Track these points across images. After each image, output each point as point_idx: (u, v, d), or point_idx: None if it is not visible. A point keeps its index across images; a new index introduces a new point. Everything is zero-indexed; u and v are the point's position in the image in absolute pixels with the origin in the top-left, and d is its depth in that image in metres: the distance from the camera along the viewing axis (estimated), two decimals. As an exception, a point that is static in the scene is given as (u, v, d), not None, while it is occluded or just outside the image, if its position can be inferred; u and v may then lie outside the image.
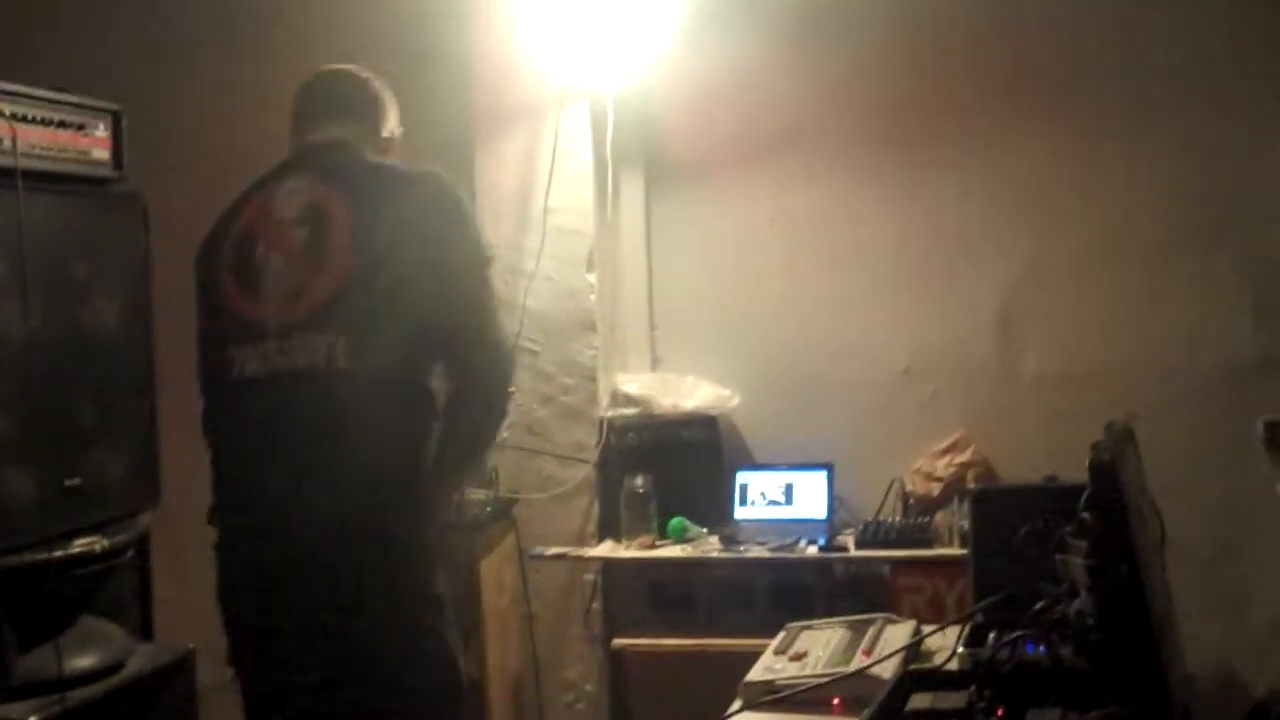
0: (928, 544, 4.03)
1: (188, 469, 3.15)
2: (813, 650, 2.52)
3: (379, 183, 2.75)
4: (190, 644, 3.44)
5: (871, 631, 2.58)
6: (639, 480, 4.18)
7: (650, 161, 4.61)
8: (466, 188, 4.39)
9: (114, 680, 3.23)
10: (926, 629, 2.60)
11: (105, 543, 3.25)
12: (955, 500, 4.19)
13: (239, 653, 2.86)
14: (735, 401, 4.44)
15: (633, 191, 4.59)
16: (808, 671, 2.37)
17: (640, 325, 4.62)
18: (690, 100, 4.53)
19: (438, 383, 2.73)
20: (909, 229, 4.47)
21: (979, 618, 2.34)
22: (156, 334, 3.59)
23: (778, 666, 2.46)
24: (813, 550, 4.07)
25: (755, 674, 2.42)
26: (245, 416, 2.77)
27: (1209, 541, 4.20)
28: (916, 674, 2.10)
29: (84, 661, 3.19)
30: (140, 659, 3.37)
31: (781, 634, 2.70)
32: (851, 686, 2.28)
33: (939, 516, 4.14)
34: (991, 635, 2.30)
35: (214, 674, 3.11)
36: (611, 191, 4.49)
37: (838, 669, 2.36)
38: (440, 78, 4.44)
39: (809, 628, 2.71)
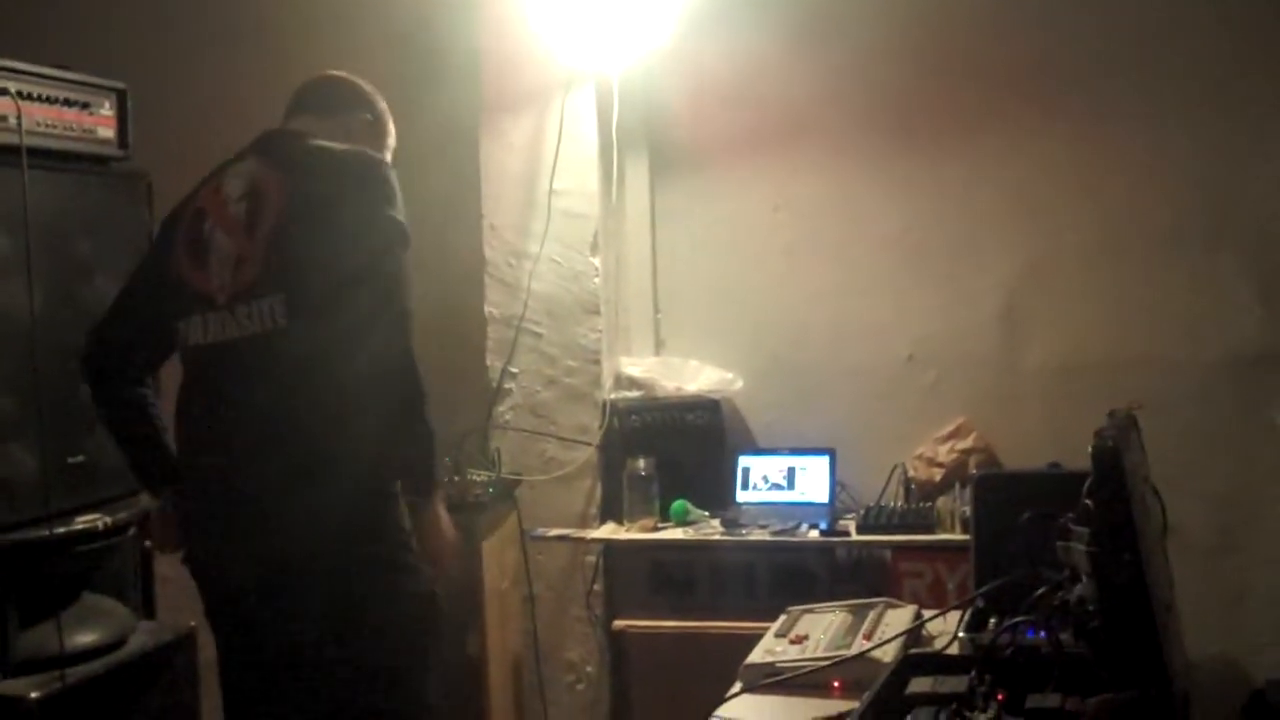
0: (929, 529, 4.02)
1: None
2: (813, 633, 2.53)
3: (311, 161, 2.89)
4: (192, 621, 3.46)
5: (872, 616, 2.59)
6: (641, 463, 4.18)
7: (655, 146, 4.60)
8: (472, 171, 4.44)
9: (115, 657, 3.25)
10: (927, 614, 2.61)
11: (107, 520, 3.26)
12: (957, 486, 4.20)
13: (213, 610, 2.96)
14: (739, 385, 4.44)
15: (638, 175, 4.58)
16: (808, 655, 2.38)
17: (644, 308, 4.62)
18: (696, 85, 4.52)
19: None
20: (914, 219, 4.47)
21: (979, 603, 2.35)
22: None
23: (778, 649, 2.47)
24: (815, 534, 4.07)
25: (756, 656, 2.43)
26: (198, 381, 2.90)
27: (1211, 531, 4.21)
28: (917, 658, 2.10)
29: (85, 638, 3.21)
30: (142, 636, 3.39)
31: (782, 617, 2.71)
32: (851, 670, 2.28)
33: (941, 502, 4.14)
34: (992, 620, 2.31)
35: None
36: (617, 175, 4.48)
37: (838, 652, 2.36)
38: (448, 63, 4.44)
39: (810, 611, 2.72)
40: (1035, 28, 4.32)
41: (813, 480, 4.32)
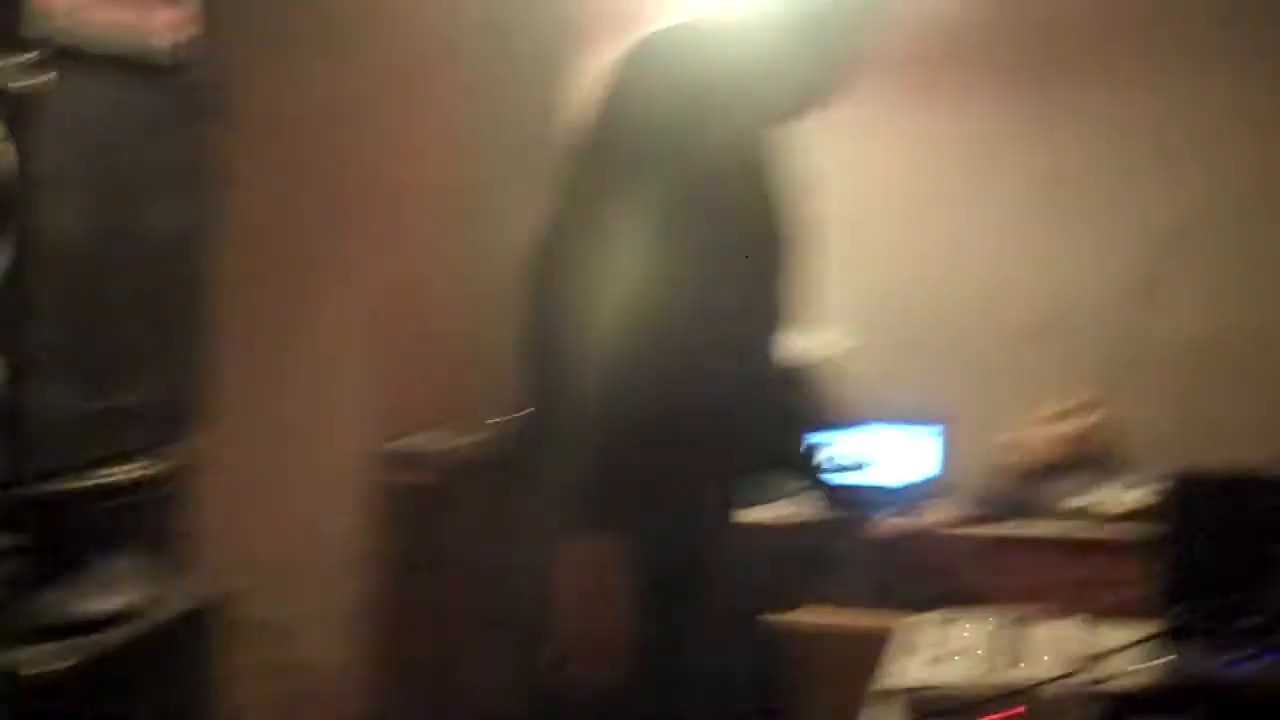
0: (1048, 516, 3.65)
1: (245, 390, 2.82)
2: (963, 649, 2.13)
3: None
4: (229, 585, 3.14)
5: (1024, 628, 2.18)
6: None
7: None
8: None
9: (134, 627, 2.90)
10: (1104, 628, 2.20)
11: (146, 471, 2.91)
12: (1081, 469, 3.82)
13: None
14: (847, 348, 4.05)
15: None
16: (975, 678, 1.98)
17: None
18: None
19: None
20: (1047, 170, 4.06)
21: (1177, 619, 1.96)
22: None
23: (927, 671, 2.06)
24: (931, 518, 3.69)
25: (907, 679, 2.03)
26: None
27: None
28: (1127, 698, 1.70)
29: (105, 604, 2.85)
30: (169, 601, 3.05)
31: (912, 625, 2.31)
32: (1024, 699, 1.89)
33: (1067, 488, 3.76)
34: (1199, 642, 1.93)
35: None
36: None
37: (1010, 675, 1.97)
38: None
39: (946, 619, 2.33)
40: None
41: (919, 455, 3.95)
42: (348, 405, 3.98)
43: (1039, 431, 3.97)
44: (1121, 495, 3.70)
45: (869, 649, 2.21)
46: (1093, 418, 3.96)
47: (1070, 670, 1.92)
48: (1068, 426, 3.97)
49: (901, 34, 4.06)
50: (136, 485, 2.84)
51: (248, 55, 3.22)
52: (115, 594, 2.79)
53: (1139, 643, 2.06)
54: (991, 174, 4.07)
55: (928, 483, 3.88)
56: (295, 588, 3.70)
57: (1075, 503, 3.67)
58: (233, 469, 3.43)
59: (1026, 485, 3.89)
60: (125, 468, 2.83)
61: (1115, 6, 3.94)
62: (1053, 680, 1.89)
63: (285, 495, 3.78)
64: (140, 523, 2.97)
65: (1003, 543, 3.65)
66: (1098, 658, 1.99)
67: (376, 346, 4.01)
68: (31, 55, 2.53)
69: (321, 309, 4.01)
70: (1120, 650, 2.02)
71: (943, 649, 2.14)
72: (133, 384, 2.87)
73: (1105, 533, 3.62)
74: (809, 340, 4.04)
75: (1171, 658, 1.88)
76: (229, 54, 3.27)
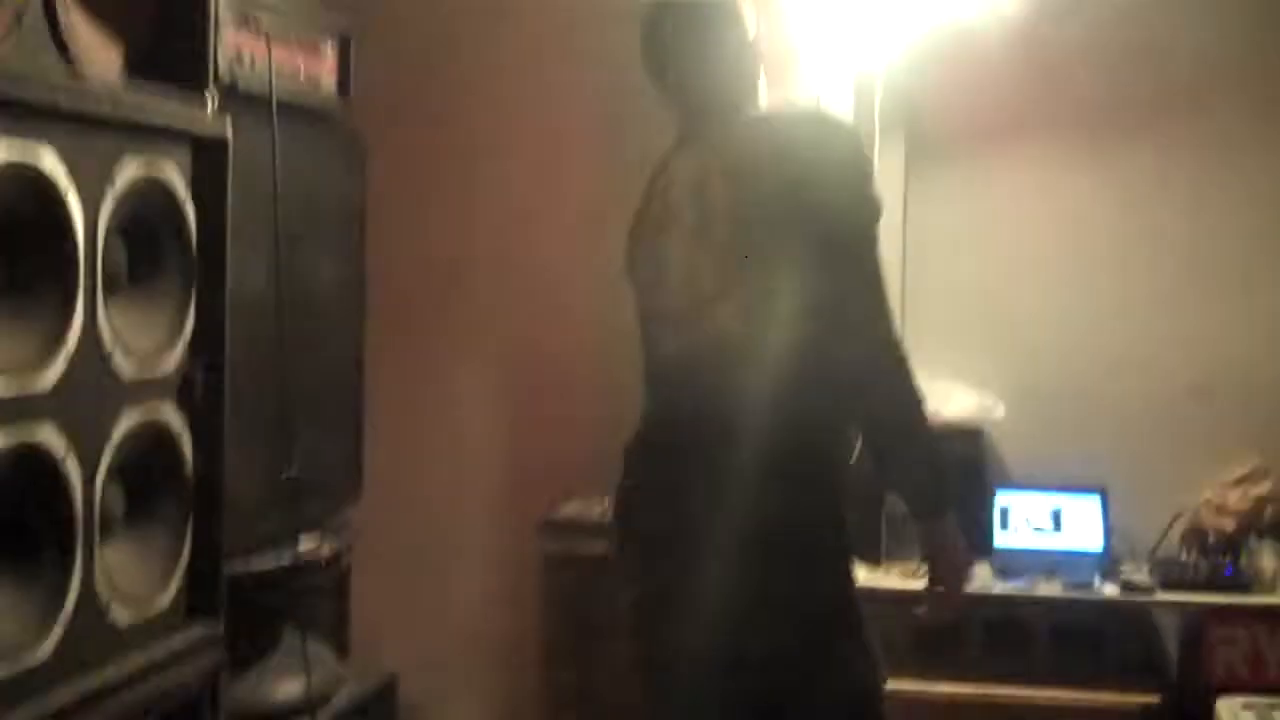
0: (1245, 588, 3.46)
1: (392, 454, 2.63)
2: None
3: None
4: (391, 667, 2.93)
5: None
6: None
7: (912, 133, 3.99)
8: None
9: (324, 712, 2.69)
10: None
11: (323, 547, 2.70)
12: (1252, 537, 3.63)
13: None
14: (1000, 413, 3.85)
15: (890, 166, 3.97)
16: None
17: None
18: (957, 64, 3.92)
19: None
20: (1206, 224, 3.87)
21: None
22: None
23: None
24: (1111, 591, 3.48)
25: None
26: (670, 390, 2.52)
27: None
28: None
29: (296, 689, 2.64)
30: (347, 684, 2.83)
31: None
32: None
33: (1245, 557, 3.56)
34: None
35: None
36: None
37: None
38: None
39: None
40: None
41: (1081, 524, 3.73)
42: (492, 473, 3.78)
43: (1213, 499, 3.77)
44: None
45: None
46: (1265, 484, 3.76)
47: None
48: (1241, 493, 3.77)
49: (1062, 98, 3.95)
50: (319, 563, 2.63)
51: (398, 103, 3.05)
52: (303, 677, 2.58)
53: None
54: (1143, 235, 3.89)
55: (1094, 556, 3.66)
56: (456, 666, 3.49)
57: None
58: (384, 544, 3.23)
59: (1200, 555, 3.68)
60: (307, 544, 2.62)
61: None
62: None
63: (438, 570, 3.58)
64: (317, 602, 2.77)
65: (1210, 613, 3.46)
66: None
67: (519, 407, 3.83)
68: (213, 99, 2.34)
69: (460, 375, 3.83)
70: None
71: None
72: (305, 452, 2.67)
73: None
74: (961, 404, 3.87)
75: None
76: (381, 102, 3.12)
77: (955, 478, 2.57)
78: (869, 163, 2.54)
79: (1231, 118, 3.86)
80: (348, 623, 3.03)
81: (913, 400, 2.45)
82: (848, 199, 2.40)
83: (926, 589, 2.48)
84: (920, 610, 2.50)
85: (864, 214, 2.42)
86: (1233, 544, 3.67)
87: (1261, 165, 3.85)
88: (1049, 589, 3.51)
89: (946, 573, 2.46)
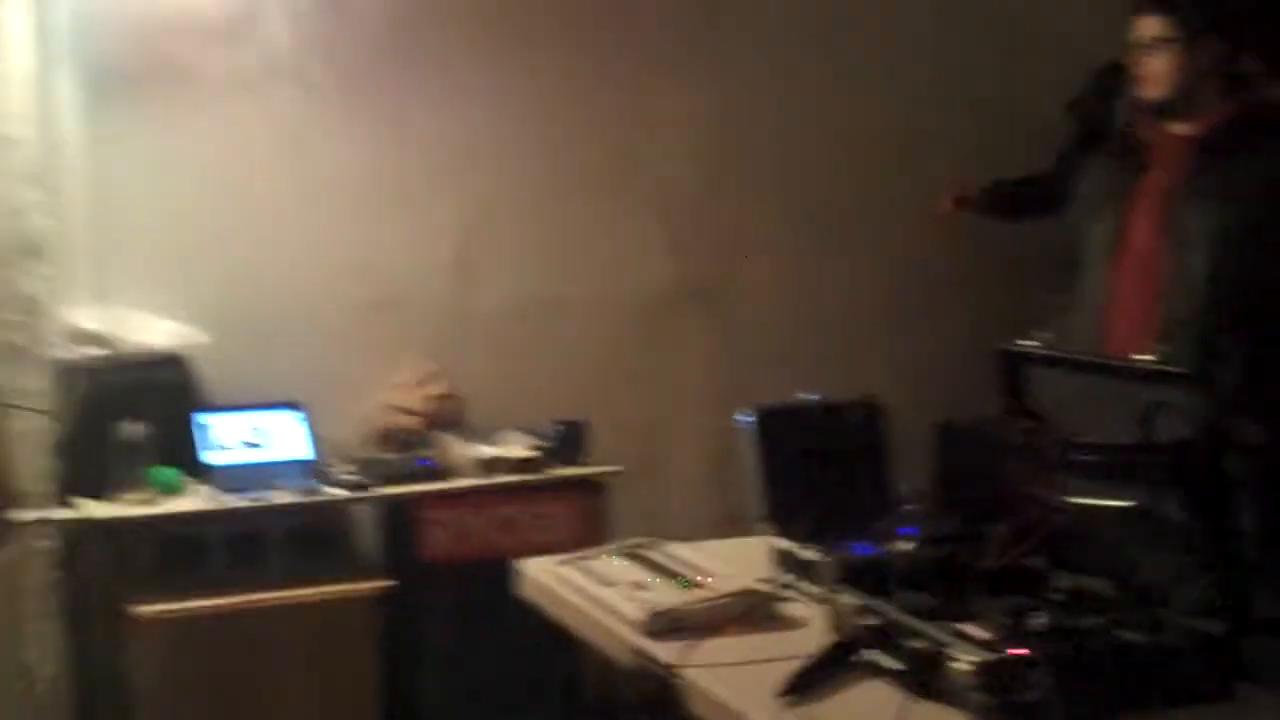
0: (441, 476, 3.96)
1: None
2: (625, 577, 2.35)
3: None
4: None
5: (654, 554, 2.47)
6: (131, 428, 3.65)
7: (91, 64, 3.98)
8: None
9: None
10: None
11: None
12: (447, 431, 4.13)
13: None
14: (202, 339, 4.00)
15: (72, 97, 3.94)
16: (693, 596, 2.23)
17: (85, 252, 3.99)
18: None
19: None
20: (373, 160, 4.31)
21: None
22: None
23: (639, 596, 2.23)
24: (336, 492, 3.80)
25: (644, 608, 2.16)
26: None
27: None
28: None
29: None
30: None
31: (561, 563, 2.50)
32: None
33: (436, 449, 4.05)
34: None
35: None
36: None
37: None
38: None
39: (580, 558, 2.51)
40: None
41: (289, 437, 4.02)
42: None
43: (396, 401, 4.20)
44: (511, 447, 4.04)
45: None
46: (439, 385, 4.24)
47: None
48: (419, 394, 4.22)
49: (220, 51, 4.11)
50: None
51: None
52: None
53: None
54: (317, 167, 4.22)
55: (304, 463, 3.95)
56: None
57: (474, 456, 3.96)
58: None
59: (397, 451, 4.09)
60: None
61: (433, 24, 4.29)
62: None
63: None
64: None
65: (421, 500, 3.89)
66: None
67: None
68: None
69: None
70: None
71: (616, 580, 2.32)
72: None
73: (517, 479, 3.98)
74: (165, 333, 3.97)
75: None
76: None
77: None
78: None
79: (397, 70, 4.31)
80: None
81: None
82: None
83: None
84: None
85: None
86: (422, 439, 4.15)
87: (423, 115, 4.34)
88: (282, 497, 3.76)
89: None
